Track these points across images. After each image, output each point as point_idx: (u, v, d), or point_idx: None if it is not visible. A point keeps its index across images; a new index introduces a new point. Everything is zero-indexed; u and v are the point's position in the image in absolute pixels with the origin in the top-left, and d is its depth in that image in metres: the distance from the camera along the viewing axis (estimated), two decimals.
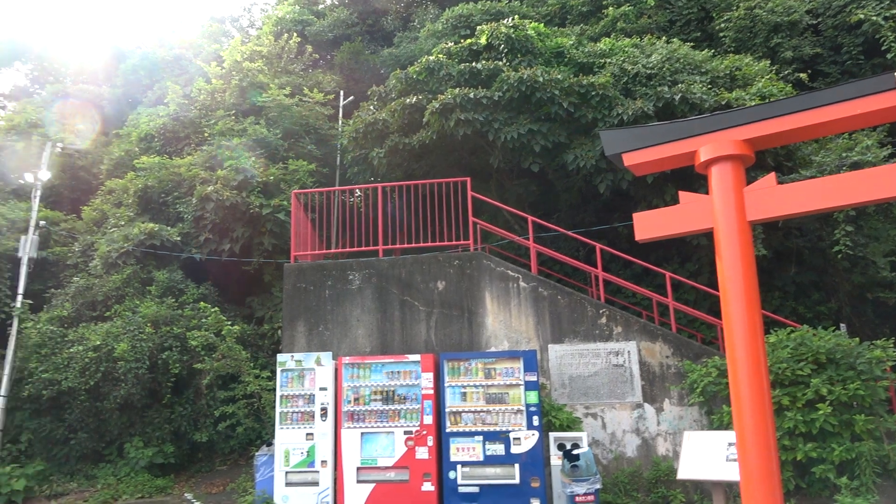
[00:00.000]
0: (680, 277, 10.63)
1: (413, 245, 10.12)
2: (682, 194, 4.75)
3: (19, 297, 11.64)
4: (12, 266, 13.60)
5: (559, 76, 11.01)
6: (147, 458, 11.02)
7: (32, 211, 12.03)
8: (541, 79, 10.82)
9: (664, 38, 13.01)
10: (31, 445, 11.47)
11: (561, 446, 7.76)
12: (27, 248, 11.67)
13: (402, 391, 8.23)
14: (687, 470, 6.71)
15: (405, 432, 8.05)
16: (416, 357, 8.34)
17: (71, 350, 11.30)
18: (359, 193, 13.08)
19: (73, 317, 12.40)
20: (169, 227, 13.23)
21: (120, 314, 11.87)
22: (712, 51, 13.10)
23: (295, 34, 19.00)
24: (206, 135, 15.24)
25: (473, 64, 11.78)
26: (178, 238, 13.00)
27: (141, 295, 12.33)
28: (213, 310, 10.87)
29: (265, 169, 13.30)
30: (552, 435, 8.04)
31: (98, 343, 11.16)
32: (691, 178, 10.01)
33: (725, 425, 7.90)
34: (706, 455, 6.65)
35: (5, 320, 12.79)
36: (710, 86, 11.07)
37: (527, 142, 10.99)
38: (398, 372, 8.31)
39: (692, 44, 13.42)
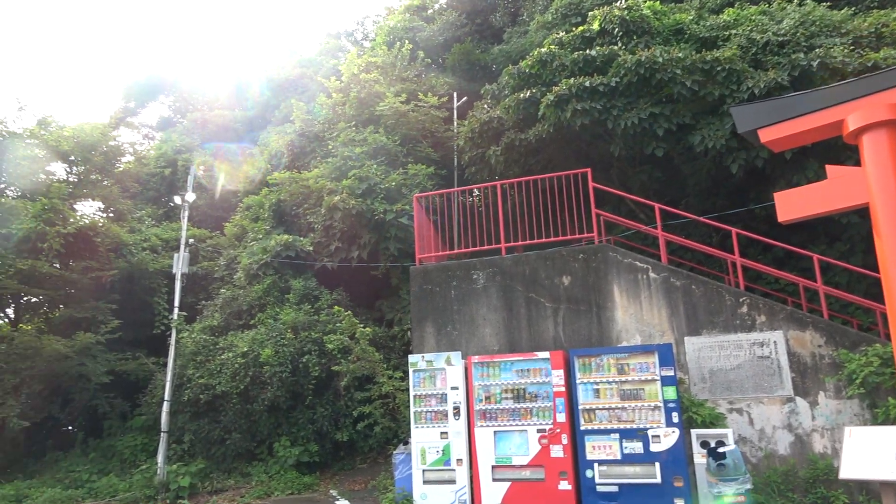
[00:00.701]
0: (829, 259, 9.75)
1: (535, 241, 10.00)
2: (830, 168, 4.34)
3: (175, 310, 12.74)
4: (168, 282, 14.94)
5: (680, 54, 10.47)
6: (294, 457, 11.68)
7: (182, 230, 13.13)
8: (660, 59, 10.35)
9: (795, 0, 12.01)
10: (193, 445, 12.50)
11: (704, 444, 7.37)
12: (180, 264, 12.75)
13: (533, 389, 8.16)
14: (851, 469, 6.13)
15: (538, 430, 7.97)
16: (546, 354, 8.23)
17: (222, 357, 12.21)
18: (477, 193, 13.15)
19: (223, 326, 13.40)
20: (302, 238, 13.97)
21: (263, 322, 12.68)
22: (852, 9, 11.93)
23: (407, 42, 19.42)
24: (329, 147, 15.95)
25: (587, 51, 11.47)
26: (311, 248, 13.68)
27: (280, 303, 13.11)
28: (346, 314, 11.33)
29: (386, 175, 13.70)
30: (694, 432, 7.64)
31: (245, 349, 11.98)
32: (837, 150, 9.15)
33: (893, 420, 7.15)
34: (872, 452, 6.04)
35: (165, 332, 14.07)
36: (852, 48, 10.09)
37: (648, 126, 10.55)
38: (528, 370, 8.25)
39: (828, 3, 12.29)
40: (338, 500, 10.75)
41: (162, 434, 11.97)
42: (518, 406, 8.16)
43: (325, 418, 12.10)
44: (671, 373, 7.53)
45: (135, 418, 14.16)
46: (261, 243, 14.16)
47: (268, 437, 12.27)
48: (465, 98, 16.42)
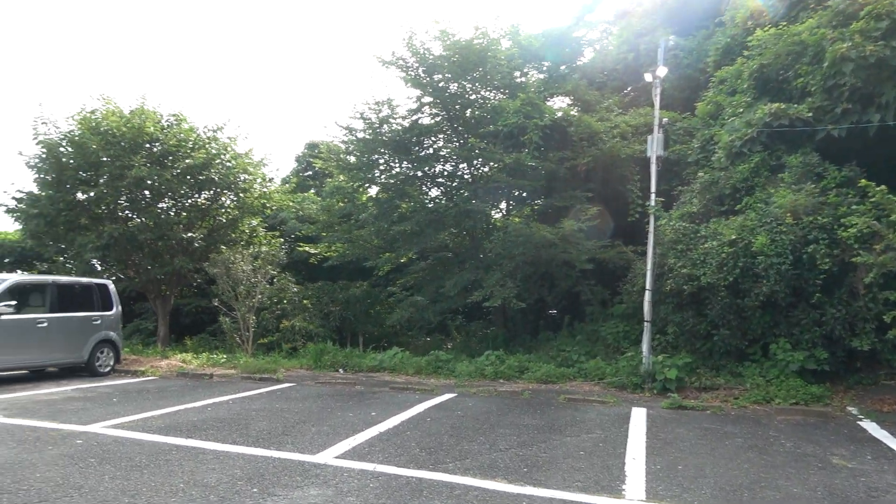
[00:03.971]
0: None
1: None
2: None
3: (652, 196, 11.97)
4: (640, 168, 14.29)
5: None
6: (798, 362, 9.99)
7: (655, 109, 12.11)
8: None
9: None
10: (676, 338, 11.85)
11: None
12: (654, 146, 11.83)
13: None
14: None
15: None
16: None
17: (705, 245, 11.03)
18: None
19: (702, 212, 12.16)
20: (795, 105, 11.50)
21: (752, 206, 10.97)
22: None
23: None
24: None
25: None
26: (809, 114, 11.15)
27: (772, 184, 11.13)
28: (877, 189, 8.79)
29: None
30: None
31: (733, 237, 10.54)
32: None
33: None
34: None
35: (640, 220, 13.56)
36: None
37: None
38: None
39: None
40: (860, 419, 8.75)
41: (645, 324, 11.60)
42: None
43: (838, 321, 9.95)
44: None
45: (615, 306, 14.27)
46: (742, 117, 12.20)
47: (762, 336, 10.78)
48: None
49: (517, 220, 17.08)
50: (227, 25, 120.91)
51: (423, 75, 15.87)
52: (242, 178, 18.09)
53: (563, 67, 17.22)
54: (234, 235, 18.73)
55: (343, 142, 17.80)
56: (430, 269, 18.59)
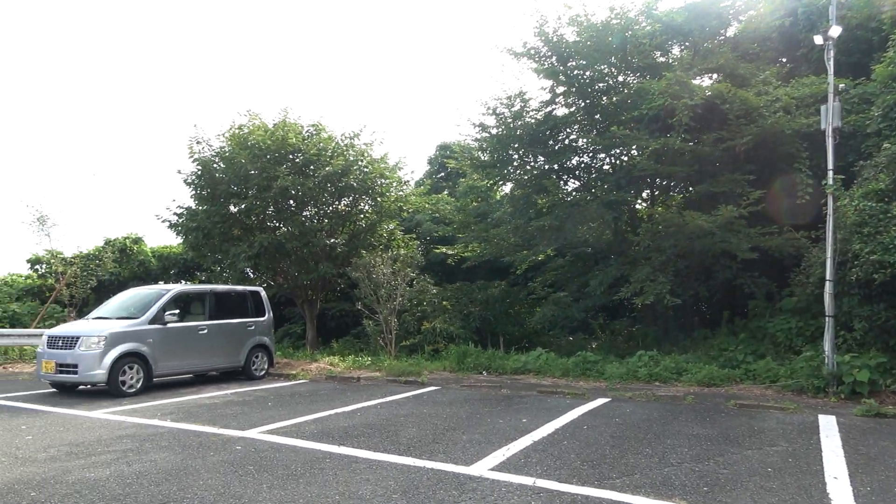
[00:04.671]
0: None
1: None
2: None
3: (830, 173, 10.51)
4: (809, 144, 12.74)
5: None
6: None
7: (829, 75, 10.64)
8: None
9: None
10: (865, 334, 10.34)
11: None
12: (829, 116, 10.39)
13: None
14: None
15: None
16: None
17: None
18: None
19: (891, 189, 10.52)
20: None
21: None
22: None
23: None
24: None
25: None
26: None
27: None
28: None
29: None
30: None
31: None
32: None
33: None
34: None
35: (810, 202, 12.05)
36: None
37: None
38: None
39: None
40: None
41: (826, 319, 10.20)
42: None
43: None
44: None
45: (784, 299, 12.80)
46: None
47: None
48: None
49: (661, 209, 15.91)
50: (353, 33, 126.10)
51: (556, 64, 15.18)
52: (379, 182, 18.32)
53: (706, 44, 15.79)
54: (373, 239, 19.03)
55: (475, 140, 17.52)
56: (570, 265, 17.85)
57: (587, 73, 15.18)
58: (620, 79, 15.57)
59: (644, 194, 16.79)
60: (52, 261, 21.84)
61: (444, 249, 19.65)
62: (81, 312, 18.59)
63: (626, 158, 15.59)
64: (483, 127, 16.47)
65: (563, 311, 16.68)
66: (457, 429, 8.06)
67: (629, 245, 15.14)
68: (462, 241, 19.17)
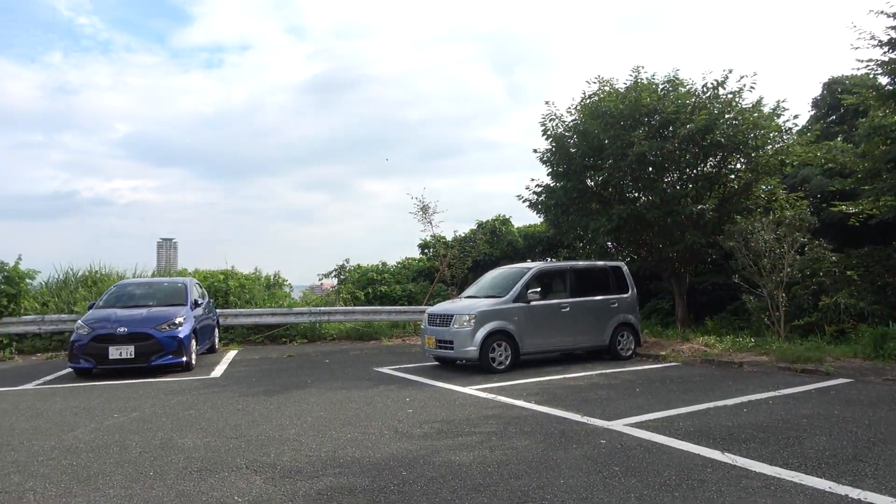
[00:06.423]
0: None
1: None
2: None
3: None
4: None
5: None
6: None
7: None
8: None
9: None
10: None
11: None
12: None
13: None
14: None
15: None
16: None
17: None
18: None
19: None
20: None
21: None
22: None
23: None
24: None
25: None
26: None
27: None
28: None
29: None
30: None
31: None
32: None
33: None
34: None
35: None
36: None
37: None
38: None
39: None
40: None
41: None
42: None
43: None
44: None
45: None
46: None
47: None
48: None
49: None
50: None
51: None
52: (752, 135, 15.73)
53: None
54: (748, 202, 16.53)
55: (880, 63, 13.67)
56: None
57: None
58: None
59: None
60: (436, 245, 24.39)
61: (843, 207, 16.00)
62: (461, 290, 20.25)
63: None
64: (893, 44, 12.73)
65: None
66: (888, 441, 6.00)
67: None
68: (868, 194, 15.33)
